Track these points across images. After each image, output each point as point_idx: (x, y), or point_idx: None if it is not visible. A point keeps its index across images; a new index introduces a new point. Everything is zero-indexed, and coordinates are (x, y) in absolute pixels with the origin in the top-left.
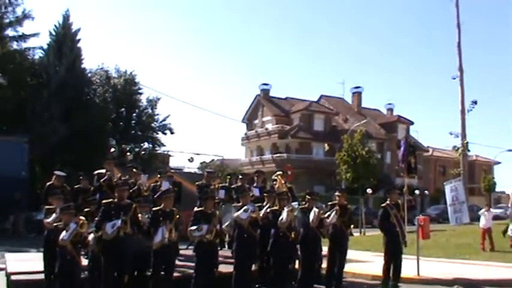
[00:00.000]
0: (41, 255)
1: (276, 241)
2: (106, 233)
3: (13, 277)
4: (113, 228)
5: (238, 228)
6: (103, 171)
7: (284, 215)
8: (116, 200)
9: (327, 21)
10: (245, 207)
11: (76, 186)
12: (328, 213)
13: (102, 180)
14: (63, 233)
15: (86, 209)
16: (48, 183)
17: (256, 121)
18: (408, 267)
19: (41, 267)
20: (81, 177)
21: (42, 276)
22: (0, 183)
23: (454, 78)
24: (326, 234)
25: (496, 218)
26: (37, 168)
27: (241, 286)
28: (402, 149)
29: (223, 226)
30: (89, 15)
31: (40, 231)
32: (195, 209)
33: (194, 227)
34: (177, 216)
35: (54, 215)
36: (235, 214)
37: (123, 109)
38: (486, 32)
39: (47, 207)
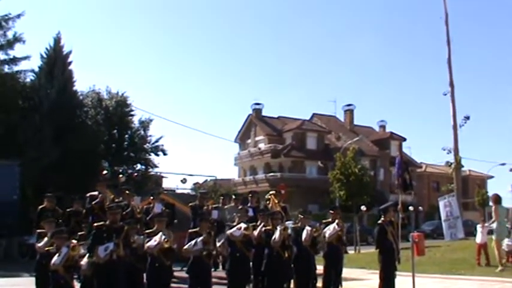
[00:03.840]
0: (33, 279)
1: (270, 260)
2: (99, 257)
3: None
4: (105, 251)
5: (231, 247)
6: (95, 193)
7: (277, 234)
8: (108, 222)
9: (318, 40)
10: (238, 225)
11: (68, 209)
12: (329, 226)
13: (94, 203)
14: (55, 257)
15: (79, 232)
16: (40, 207)
17: (249, 141)
18: (404, 284)
19: None
20: (73, 200)
21: None
22: None
23: (445, 94)
24: (320, 250)
25: (490, 232)
26: (29, 191)
27: None
28: (397, 165)
29: (217, 246)
30: (80, 37)
31: (33, 256)
32: (190, 230)
33: (188, 244)
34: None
35: (45, 239)
36: (228, 232)
37: (115, 131)
38: (476, 48)
39: (38, 231)
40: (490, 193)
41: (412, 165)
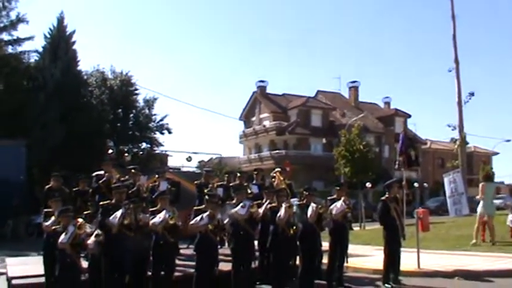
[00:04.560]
0: (41, 258)
1: (275, 238)
2: (112, 225)
3: (14, 281)
4: (115, 218)
5: (234, 226)
6: (102, 172)
7: (282, 211)
8: (113, 201)
9: (322, 16)
10: (242, 203)
11: (75, 189)
12: (336, 203)
13: (100, 182)
14: (62, 236)
15: (85, 211)
16: (46, 187)
17: (254, 118)
18: (408, 260)
19: (42, 271)
20: (79, 179)
21: (42, 279)
22: None
23: (450, 71)
24: (325, 227)
25: (498, 209)
26: (36, 171)
27: (241, 283)
28: (400, 142)
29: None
30: (83, 16)
31: (39, 235)
32: (195, 207)
33: (194, 220)
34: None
35: (52, 218)
36: (233, 210)
37: (120, 110)
38: (481, 23)
39: (45, 210)
40: (495, 170)
41: (417, 142)
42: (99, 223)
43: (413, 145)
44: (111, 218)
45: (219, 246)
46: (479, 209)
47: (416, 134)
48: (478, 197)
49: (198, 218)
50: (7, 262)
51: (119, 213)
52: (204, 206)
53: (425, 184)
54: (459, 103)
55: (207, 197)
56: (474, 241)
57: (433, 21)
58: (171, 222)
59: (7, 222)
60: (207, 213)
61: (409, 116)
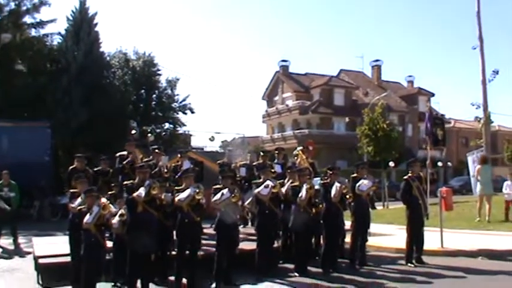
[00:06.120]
0: (66, 238)
1: (297, 217)
2: (140, 197)
3: (40, 260)
4: (142, 191)
5: (259, 205)
6: (125, 153)
7: (303, 192)
8: (136, 181)
9: None
10: (265, 183)
11: (96, 169)
12: (363, 180)
13: (125, 162)
14: (87, 216)
15: (109, 191)
16: (70, 167)
17: (277, 98)
18: (432, 239)
19: (67, 251)
20: (101, 160)
21: (68, 258)
22: (24, 169)
23: (475, 48)
24: (348, 207)
25: None
26: (60, 152)
27: (265, 262)
28: (426, 120)
29: (245, 203)
30: None
31: (64, 215)
32: (214, 186)
33: (215, 197)
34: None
35: (79, 199)
36: (256, 190)
37: (142, 91)
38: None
39: (71, 191)
40: None
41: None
42: (126, 200)
43: (442, 124)
44: (136, 193)
45: (241, 226)
46: (477, 190)
47: (440, 113)
48: (474, 178)
49: (219, 194)
50: (34, 242)
51: (146, 184)
52: (222, 184)
53: (449, 163)
54: (483, 81)
55: (221, 174)
56: (478, 219)
57: None
58: (198, 197)
59: (33, 203)
60: (226, 189)
61: (433, 94)
